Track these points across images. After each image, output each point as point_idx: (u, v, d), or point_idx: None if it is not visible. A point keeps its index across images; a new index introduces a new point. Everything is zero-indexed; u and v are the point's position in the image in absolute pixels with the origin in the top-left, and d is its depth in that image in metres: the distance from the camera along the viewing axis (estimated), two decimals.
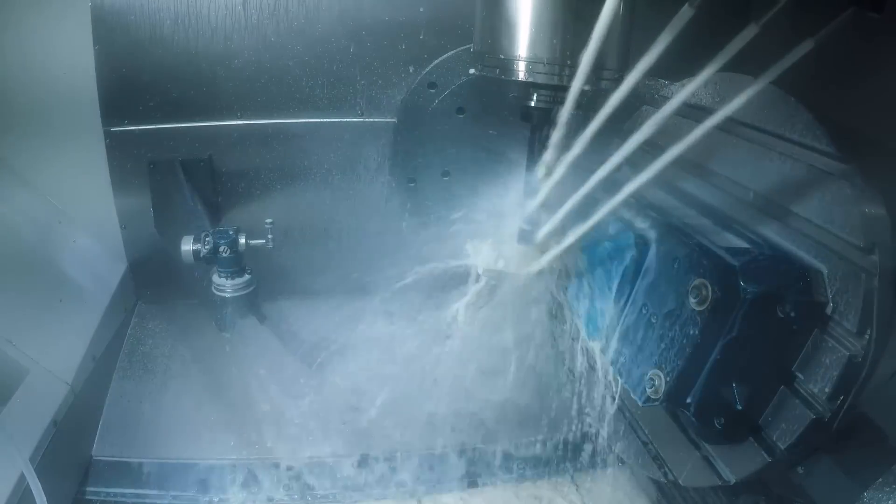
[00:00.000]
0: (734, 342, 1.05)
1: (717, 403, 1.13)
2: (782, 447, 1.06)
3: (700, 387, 1.11)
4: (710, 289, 1.03)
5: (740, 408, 1.10)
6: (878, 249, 0.97)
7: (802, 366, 1.06)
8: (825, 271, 1.05)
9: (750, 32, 0.92)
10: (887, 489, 0.99)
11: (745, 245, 1.14)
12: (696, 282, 1.06)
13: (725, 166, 1.32)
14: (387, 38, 1.91)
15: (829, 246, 1.05)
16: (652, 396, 1.16)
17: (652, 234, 1.24)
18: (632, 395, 1.23)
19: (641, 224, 1.28)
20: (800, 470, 1.10)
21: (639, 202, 1.34)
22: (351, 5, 1.88)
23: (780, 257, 1.11)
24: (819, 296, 1.04)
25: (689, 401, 1.14)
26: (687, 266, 1.11)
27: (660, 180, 1.50)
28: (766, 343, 1.06)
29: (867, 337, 0.97)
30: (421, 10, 1.90)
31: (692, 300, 1.06)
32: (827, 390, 1.01)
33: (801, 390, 1.05)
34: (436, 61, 1.92)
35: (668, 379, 1.12)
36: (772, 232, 1.18)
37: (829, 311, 1.03)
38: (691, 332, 1.07)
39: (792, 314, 1.03)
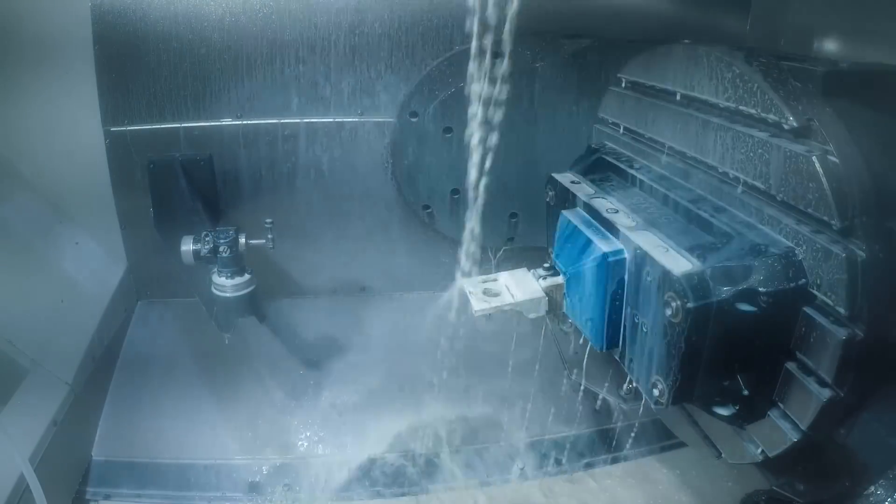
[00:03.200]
0: (720, 341, 1.05)
1: (724, 395, 1.13)
2: (804, 428, 1.06)
3: (702, 384, 1.11)
4: (679, 301, 1.02)
5: (747, 393, 1.09)
6: (861, 223, 0.97)
7: (804, 341, 1.05)
8: (798, 250, 1.03)
9: None
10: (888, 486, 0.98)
11: (712, 240, 1.13)
12: (666, 296, 1.05)
13: (697, 149, 1.31)
14: (387, 38, 1.91)
15: (805, 224, 1.04)
16: (660, 401, 1.16)
17: (623, 248, 1.22)
18: (645, 397, 1.23)
19: (613, 237, 1.26)
20: (842, 431, 1.08)
21: (606, 209, 1.33)
22: (351, 6, 1.88)
23: (751, 245, 1.08)
24: (797, 276, 1.02)
25: (695, 397, 1.14)
26: (657, 279, 1.10)
27: (627, 167, 1.50)
28: (753, 333, 1.05)
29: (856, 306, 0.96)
30: (421, 10, 1.90)
31: (668, 313, 1.06)
32: (834, 363, 0.99)
33: (810, 365, 1.04)
34: (436, 61, 1.92)
35: (668, 385, 1.12)
36: (747, 215, 1.16)
37: (813, 289, 1.02)
38: (676, 341, 1.06)
39: (770, 301, 1.02)
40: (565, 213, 1.43)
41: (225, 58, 1.88)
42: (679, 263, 1.06)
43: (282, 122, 1.97)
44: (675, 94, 1.37)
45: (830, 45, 1.89)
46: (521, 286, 1.36)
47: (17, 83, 1.83)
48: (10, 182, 1.90)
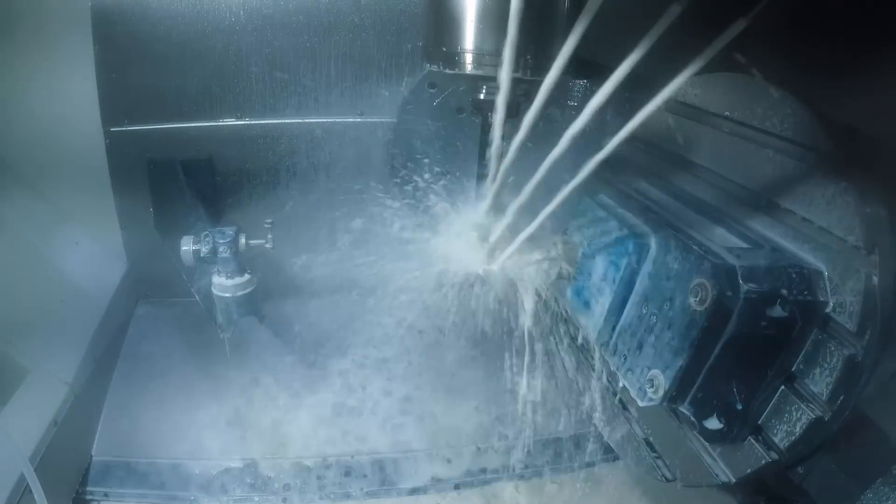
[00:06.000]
0: (734, 342, 1.06)
1: (718, 403, 1.13)
2: (782, 447, 1.06)
3: (700, 387, 1.12)
4: (710, 288, 1.03)
5: (740, 407, 1.10)
6: (879, 250, 0.97)
7: (802, 366, 1.06)
8: (825, 271, 1.05)
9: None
10: (887, 489, 0.99)
11: (745, 245, 1.14)
12: (697, 281, 1.06)
13: (725, 165, 1.32)
14: (387, 38, 1.91)
15: (830, 246, 1.05)
16: (652, 396, 1.16)
17: (652, 234, 1.24)
18: (633, 394, 1.23)
19: (641, 223, 1.28)
20: (800, 470, 1.10)
21: (637, 201, 1.34)
22: (351, 5, 1.88)
23: (781, 257, 1.10)
24: (819, 296, 1.03)
25: (689, 401, 1.14)
26: (688, 266, 1.11)
27: (658, 178, 1.51)
28: (766, 343, 1.06)
29: (867, 337, 0.97)
30: (422, 10, 1.90)
31: (693, 300, 1.07)
32: (827, 390, 1.01)
33: (802, 390, 1.06)
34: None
35: (667, 379, 1.12)
36: (772, 232, 1.18)
37: (829, 310, 1.03)
38: (691, 331, 1.07)
39: (792, 314, 1.03)
40: (590, 197, 1.43)
41: (225, 58, 1.88)
42: (713, 254, 1.08)
43: (282, 123, 1.97)
44: (721, 117, 1.36)
45: None
46: (535, 243, 1.36)
47: (17, 83, 1.83)
48: (10, 182, 1.90)
